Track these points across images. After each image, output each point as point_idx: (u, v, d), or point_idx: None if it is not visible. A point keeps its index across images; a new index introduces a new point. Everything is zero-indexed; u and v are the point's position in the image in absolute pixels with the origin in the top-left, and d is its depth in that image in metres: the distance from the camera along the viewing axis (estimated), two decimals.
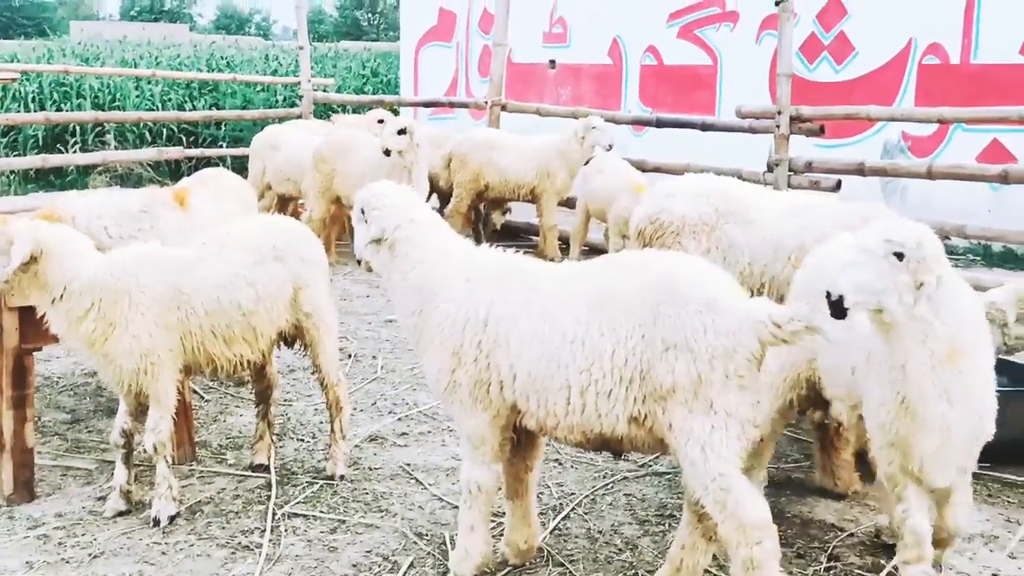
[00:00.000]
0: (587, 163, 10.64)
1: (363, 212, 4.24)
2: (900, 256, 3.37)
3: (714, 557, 4.19)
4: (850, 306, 3.40)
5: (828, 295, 3.42)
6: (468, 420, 4.05)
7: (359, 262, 4.36)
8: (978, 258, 11.61)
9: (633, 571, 4.39)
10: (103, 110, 18.93)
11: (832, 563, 4.48)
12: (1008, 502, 5.16)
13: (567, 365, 3.79)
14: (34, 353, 5.11)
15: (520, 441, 4.22)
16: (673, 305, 3.68)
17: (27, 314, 4.81)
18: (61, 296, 4.51)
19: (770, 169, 9.43)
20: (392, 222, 4.15)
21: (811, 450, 5.61)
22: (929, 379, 3.54)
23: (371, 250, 4.22)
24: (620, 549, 4.60)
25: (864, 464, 5.34)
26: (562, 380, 3.80)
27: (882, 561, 4.47)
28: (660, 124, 11.22)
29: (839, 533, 4.77)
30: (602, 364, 3.75)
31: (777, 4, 9.28)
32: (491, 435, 4.05)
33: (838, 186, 8.98)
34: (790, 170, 9.34)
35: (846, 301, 3.39)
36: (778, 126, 9.35)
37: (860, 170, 9.03)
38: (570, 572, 4.37)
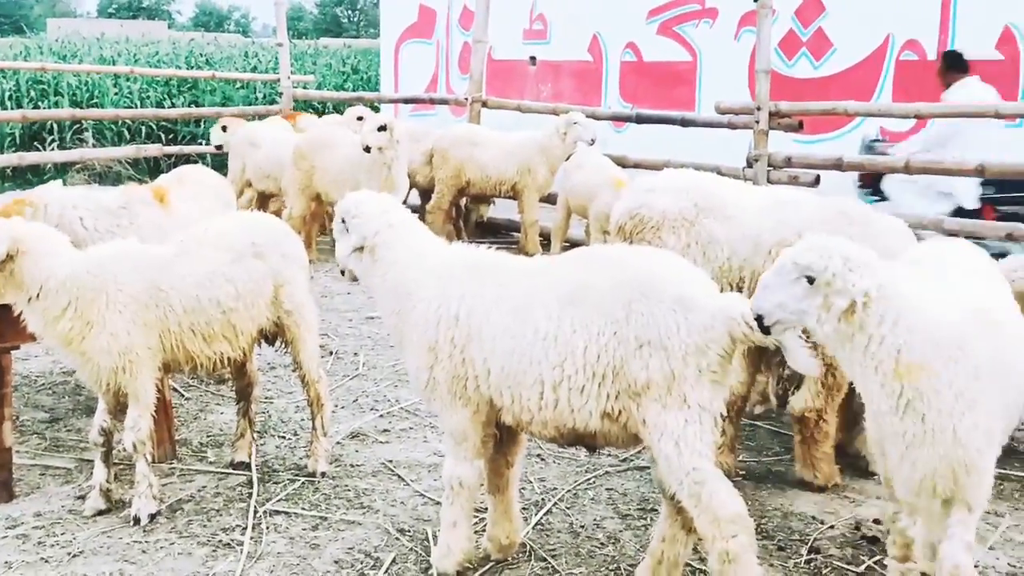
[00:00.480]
0: (568, 159, 10.65)
1: (344, 222, 4.30)
2: (810, 280, 3.36)
3: (695, 550, 4.21)
4: (770, 324, 3.43)
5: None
6: (449, 416, 4.06)
7: (343, 272, 4.41)
8: None
9: (615, 565, 4.40)
10: (81, 108, 18.83)
11: (812, 555, 4.50)
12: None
13: (539, 361, 3.81)
14: (11, 352, 5.07)
15: (501, 437, 4.23)
16: (646, 302, 3.70)
17: (4, 312, 4.76)
18: (38, 295, 4.48)
19: (749, 164, 9.46)
20: (371, 228, 4.21)
21: (791, 443, 5.64)
22: (878, 393, 3.43)
23: (354, 258, 4.27)
24: (602, 543, 4.62)
25: (844, 457, 5.38)
26: (535, 375, 3.82)
27: (862, 555, 4.50)
28: (640, 120, 11.24)
29: (819, 526, 4.80)
30: (575, 360, 3.77)
31: (756, 0, 9.30)
32: (472, 431, 4.05)
33: (817, 181, 9.03)
34: (769, 165, 9.37)
35: (765, 320, 3.42)
36: (757, 121, 9.38)
37: (838, 165, 9.07)
38: (552, 567, 4.38)
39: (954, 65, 10.03)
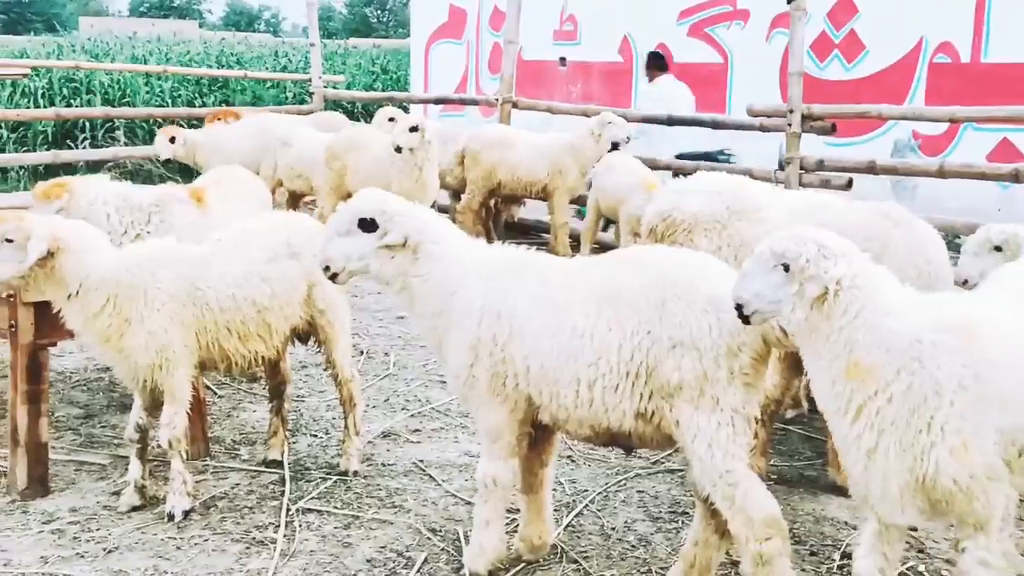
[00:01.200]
0: (598, 161, 10.63)
1: (372, 220, 4.11)
2: (787, 268, 3.34)
3: (727, 554, 4.20)
4: (749, 314, 3.41)
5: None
6: (486, 415, 4.07)
7: (333, 276, 4.21)
8: None
9: (647, 568, 4.40)
10: (113, 106, 19.00)
11: (845, 561, 4.48)
12: None
13: (576, 358, 3.83)
14: (48, 348, 5.13)
15: (536, 436, 4.24)
16: (680, 303, 3.72)
17: (42, 309, 4.84)
18: (77, 292, 4.53)
19: (781, 167, 9.42)
20: (415, 226, 4.12)
21: (823, 448, 5.62)
22: (828, 392, 3.37)
23: (382, 256, 4.12)
24: (633, 546, 4.61)
25: None
26: (572, 373, 3.84)
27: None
28: (671, 122, 11.21)
29: (852, 531, 4.77)
30: (609, 359, 3.79)
31: (789, 2, 9.27)
32: (508, 430, 4.06)
33: (849, 184, 8.98)
34: (801, 168, 9.34)
35: (744, 309, 3.41)
36: (790, 124, 9.34)
37: (872, 168, 9.03)
38: (584, 569, 4.38)
39: (655, 64, 12.75)
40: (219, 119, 10.73)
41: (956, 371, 3.22)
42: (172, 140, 10.43)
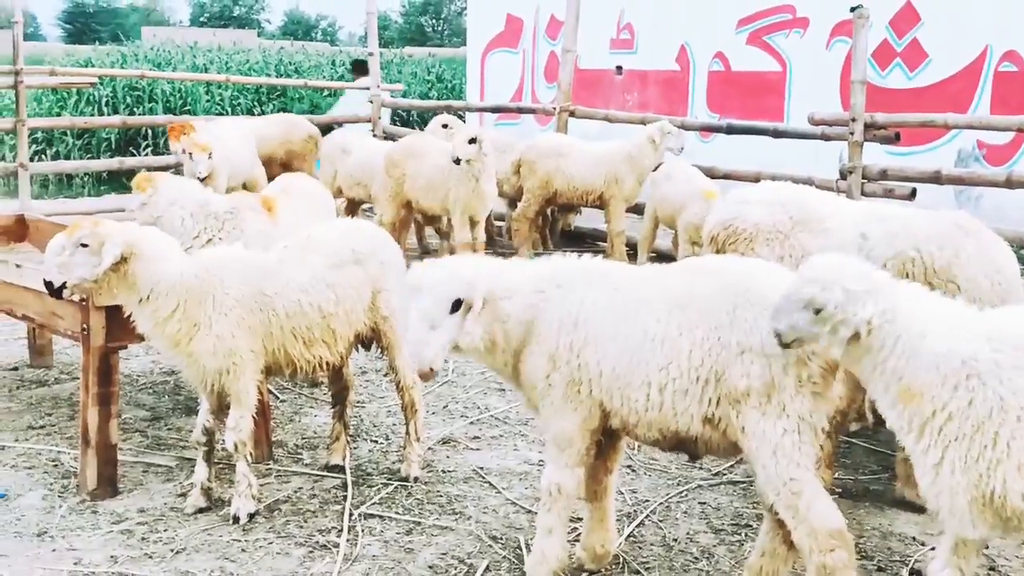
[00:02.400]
0: (656, 169, 10.59)
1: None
2: (818, 311, 3.44)
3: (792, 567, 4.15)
4: (787, 342, 3.53)
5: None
6: (558, 422, 4.07)
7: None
8: None
9: None
10: (175, 114, 19.30)
11: None
12: None
13: (647, 362, 3.85)
14: (119, 351, 5.23)
15: (602, 443, 4.23)
16: (750, 309, 3.73)
17: (113, 312, 4.93)
18: (148, 296, 4.61)
19: (843, 176, 9.32)
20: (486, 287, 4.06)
21: (888, 461, 5.54)
22: (890, 412, 3.46)
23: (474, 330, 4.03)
24: (696, 557, 4.58)
25: None
26: (642, 377, 3.87)
27: None
28: (731, 131, 11.13)
29: (920, 547, 4.70)
30: (679, 363, 3.81)
31: (852, 10, 9.17)
32: (579, 437, 4.06)
33: (913, 194, 8.85)
34: (864, 178, 9.22)
35: (783, 338, 3.52)
36: (852, 133, 9.23)
37: (936, 178, 8.90)
38: None
39: (358, 69, 15.90)
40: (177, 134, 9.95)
41: (1022, 386, 3.21)
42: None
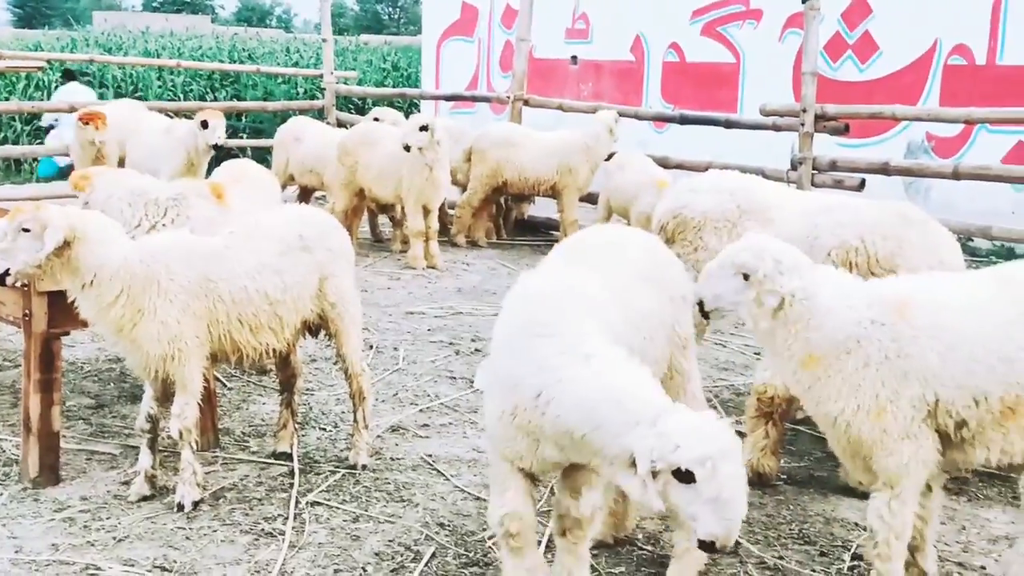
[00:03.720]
0: (609, 158, 10.64)
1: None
2: (746, 276, 3.73)
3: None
4: (709, 310, 3.85)
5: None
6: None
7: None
8: (1001, 260, 11.53)
9: None
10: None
11: (856, 562, 4.47)
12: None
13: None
14: (61, 338, 5.15)
15: None
16: None
17: (56, 298, 4.85)
18: (91, 281, 4.53)
19: (794, 167, 9.41)
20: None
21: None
22: (791, 378, 3.85)
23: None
24: None
25: None
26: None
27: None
28: (684, 121, 11.21)
29: (863, 532, 4.75)
30: None
31: (803, 2, 9.26)
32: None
33: (862, 185, 8.97)
34: (814, 168, 9.33)
35: (706, 305, 3.85)
36: (803, 124, 9.33)
37: (885, 169, 9.02)
38: None
39: (67, 75, 16.79)
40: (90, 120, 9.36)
41: (883, 345, 3.65)
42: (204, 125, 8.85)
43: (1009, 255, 11.55)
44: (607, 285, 3.77)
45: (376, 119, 11.95)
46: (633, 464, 3.07)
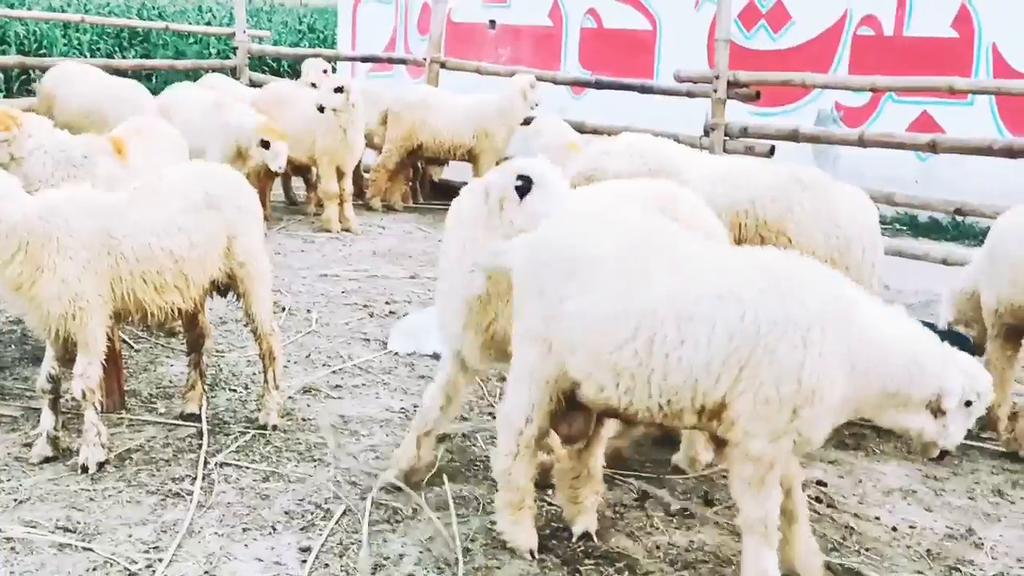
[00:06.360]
0: (526, 123, 10.64)
1: None
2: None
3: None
4: None
5: None
6: None
7: None
8: (904, 227, 11.87)
9: None
10: (28, 57, 18.37)
11: None
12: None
13: None
14: None
15: None
16: None
17: None
18: None
19: (706, 133, 9.52)
20: None
21: None
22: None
23: None
24: None
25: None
26: None
27: None
28: (600, 86, 11.25)
29: None
30: None
31: None
32: None
33: (772, 152, 9.11)
34: (726, 135, 9.45)
35: None
36: (715, 91, 9.43)
37: (794, 136, 9.17)
38: None
39: None
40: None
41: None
42: None
43: (912, 222, 11.90)
44: None
45: (314, 84, 11.48)
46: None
